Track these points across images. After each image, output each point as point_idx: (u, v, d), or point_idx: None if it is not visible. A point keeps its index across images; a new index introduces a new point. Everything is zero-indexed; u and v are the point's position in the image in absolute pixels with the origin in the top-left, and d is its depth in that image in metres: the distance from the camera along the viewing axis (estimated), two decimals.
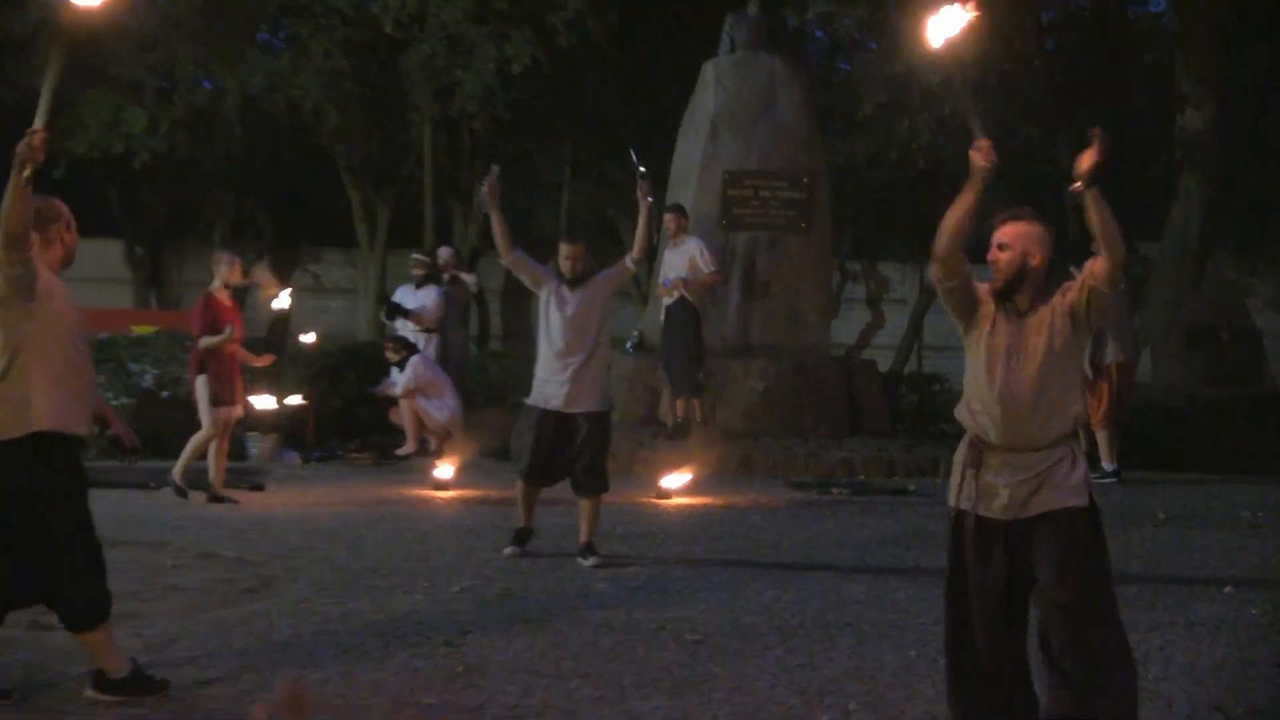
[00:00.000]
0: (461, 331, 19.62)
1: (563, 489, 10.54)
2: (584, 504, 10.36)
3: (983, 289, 5.75)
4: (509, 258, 10.28)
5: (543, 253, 14.27)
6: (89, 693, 6.43)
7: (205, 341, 13.19)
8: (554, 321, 10.16)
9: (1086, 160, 5.41)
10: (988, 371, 5.68)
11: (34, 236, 6.21)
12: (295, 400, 16.28)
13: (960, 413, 5.83)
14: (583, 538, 10.32)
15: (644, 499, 13.59)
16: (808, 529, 12.26)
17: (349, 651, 7.51)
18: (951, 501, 5.77)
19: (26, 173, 5.81)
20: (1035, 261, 5.62)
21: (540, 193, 28.21)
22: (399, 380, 16.87)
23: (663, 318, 16.36)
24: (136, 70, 23.18)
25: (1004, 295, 5.67)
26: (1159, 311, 21.02)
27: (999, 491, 5.63)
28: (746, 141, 18.21)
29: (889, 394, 20.61)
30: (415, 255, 19.62)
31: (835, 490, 14.70)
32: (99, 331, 18.19)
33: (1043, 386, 5.60)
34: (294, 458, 16.68)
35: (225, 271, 13.47)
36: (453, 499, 13.83)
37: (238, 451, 15.53)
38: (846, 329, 29.43)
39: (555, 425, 10.15)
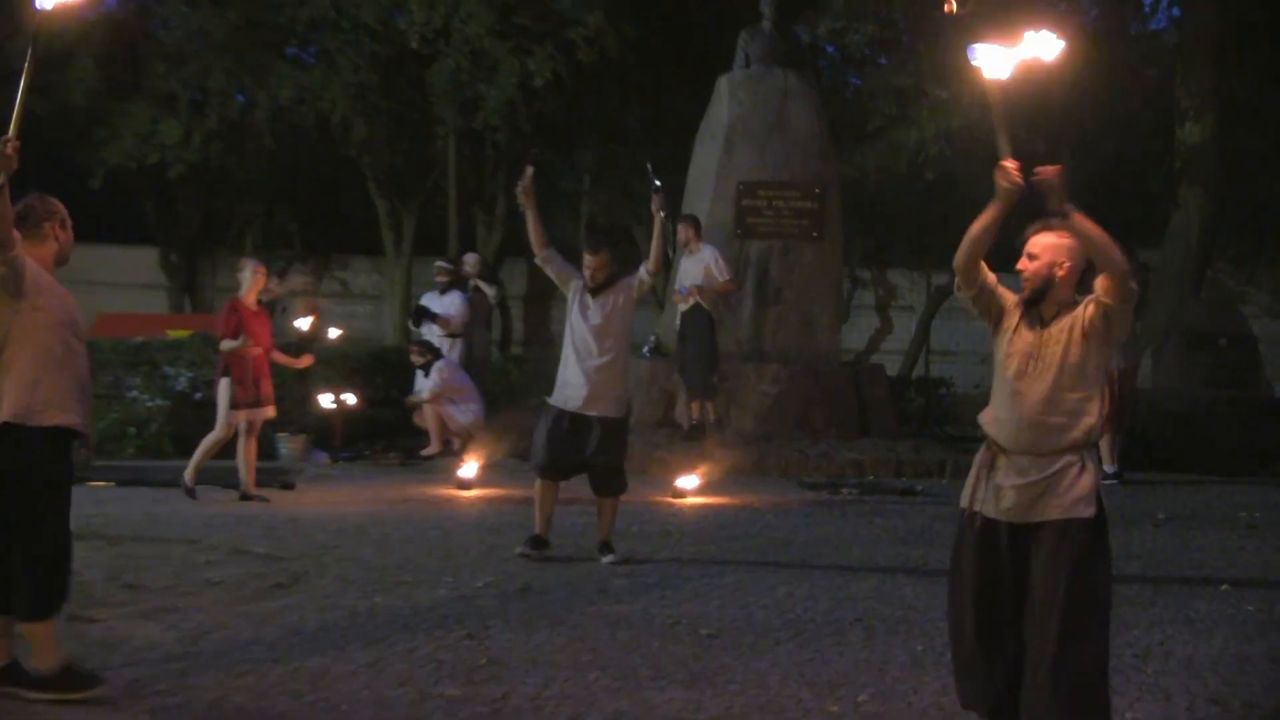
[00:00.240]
0: (485, 336, 19.63)
1: (582, 489, 10.56)
2: (603, 503, 10.37)
3: (1009, 297, 5.75)
4: (542, 254, 10.27)
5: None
6: (30, 695, 6.32)
7: (224, 345, 13.31)
8: (577, 327, 10.18)
9: (1052, 201, 5.40)
10: (1006, 376, 5.69)
11: (22, 234, 6.24)
12: (350, 399, 16.32)
13: (983, 416, 5.82)
14: (601, 535, 10.33)
15: (660, 498, 13.60)
16: (819, 528, 12.26)
17: (376, 644, 7.53)
18: (964, 501, 5.78)
19: (0, 180, 5.83)
20: (1062, 273, 5.59)
21: (561, 202, 28.22)
22: (426, 386, 16.89)
23: (679, 323, 16.41)
24: (171, 84, 23.24)
25: (1030, 303, 5.66)
26: (1159, 317, 20.97)
27: (1006, 494, 5.62)
28: (760, 153, 18.24)
29: (897, 397, 20.66)
30: (440, 263, 19.62)
31: (845, 490, 14.70)
32: (135, 335, 18.31)
33: (1055, 395, 5.57)
34: (323, 458, 16.72)
35: (250, 279, 13.51)
36: (475, 498, 13.84)
37: (269, 452, 15.58)
38: (856, 334, 29.40)
39: (571, 424, 10.13)
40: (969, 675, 5.81)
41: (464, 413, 16.83)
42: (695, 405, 16.23)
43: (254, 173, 26.90)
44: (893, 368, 24.81)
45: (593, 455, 10.21)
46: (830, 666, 7.24)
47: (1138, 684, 6.99)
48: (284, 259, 30.60)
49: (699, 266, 16.25)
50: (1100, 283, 5.53)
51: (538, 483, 10.34)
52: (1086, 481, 5.53)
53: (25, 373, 6.31)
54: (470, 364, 18.01)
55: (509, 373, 21.50)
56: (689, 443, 15.84)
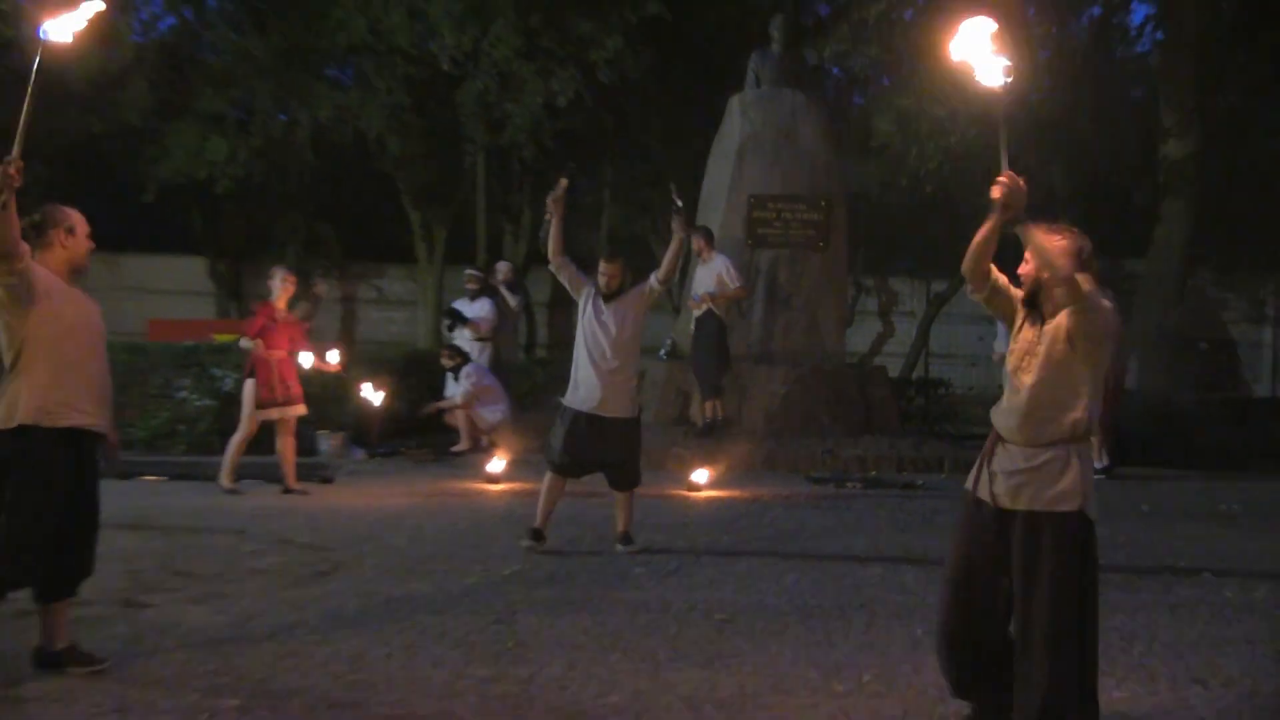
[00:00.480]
0: (513, 340, 19.64)
1: (600, 484, 10.57)
2: (619, 498, 10.37)
3: (1018, 296, 5.76)
4: (557, 260, 10.22)
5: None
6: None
7: (242, 343, 13.52)
8: (592, 333, 10.13)
9: (1007, 211, 5.40)
10: (1007, 370, 5.71)
11: (31, 244, 6.24)
12: (376, 397, 16.29)
13: (994, 406, 5.82)
14: (620, 527, 10.33)
15: (676, 492, 13.59)
16: (825, 519, 12.25)
17: (411, 627, 7.55)
18: (968, 484, 5.80)
19: (4, 197, 5.84)
20: (1048, 274, 5.59)
21: (582, 214, 28.22)
22: (458, 390, 16.90)
23: (693, 328, 16.41)
24: (218, 104, 23.29)
25: (1029, 303, 5.68)
26: (1144, 322, 20.90)
27: (998, 479, 5.64)
28: (770, 168, 18.24)
29: (898, 397, 20.62)
30: (469, 270, 19.64)
31: (850, 485, 14.69)
32: (184, 339, 18.36)
33: (1040, 390, 5.56)
34: (360, 454, 16.73)
35: (280, 286, 13.56)
36: (503, 491, 13.84)
37: (309, 448, 15.61)
38: (860, 338, 29.36)
39: (588, 426, 10.09)
40: (942, 656, 5.83)
41: (492, 412, 16.85)
42: (709, 405, 16.24)
43: (295, 187, 26.94)
44: (894, 369, 24.76)
45: (610, 455, 10.21)
46: (836, 649, 7.26)
47: (1125, 664, 7.00)
48: (322, 267, 30.71)
49: (711, 275, 16.28)
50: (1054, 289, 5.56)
51: (549, 477, 10.27)
52: (1071, 477, 5.49)
53: (39, 377, 6.33)
54: (498, 366, 18.02)
55: (534, 374, 21.47)
56: (703, 439, 15.85)
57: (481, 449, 16.45)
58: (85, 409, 6.43)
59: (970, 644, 5.72)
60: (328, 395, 16.11)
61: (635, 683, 6.51)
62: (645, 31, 21.98)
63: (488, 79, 21.90)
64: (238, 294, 30.29)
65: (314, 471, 14.62)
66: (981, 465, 5.75)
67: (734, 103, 18.88)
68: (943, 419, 22.68)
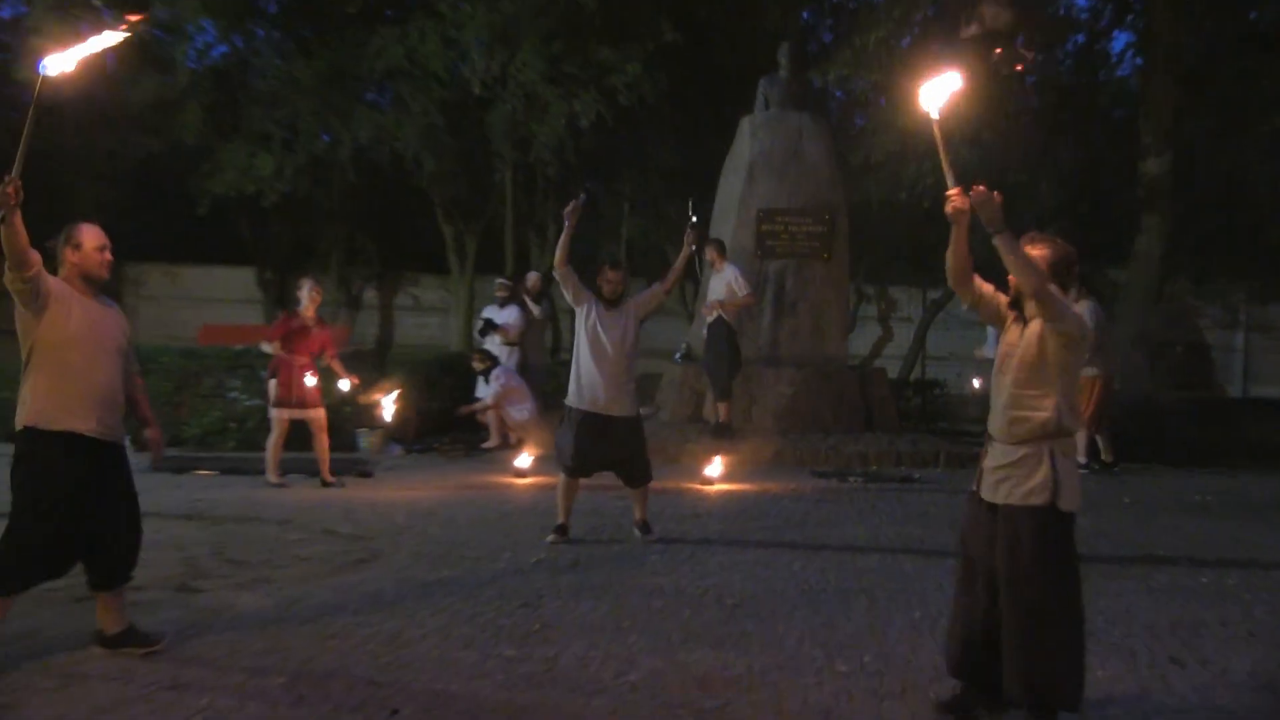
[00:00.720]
0: (539, 344, 19.64)
1: (616, 477, 10.56)
2: (635, 493, 10.36)
3: (1004, 301, 5.76)
4: (563, 269, 10.14)
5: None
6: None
7: (264, 345, 13.69)
8: (596, 338, 10.08)
9: (983, 216, 5.39)
10: (993, 370, 5.73)
11: (37, 255, 6.21)
12: (393, 408, 16.20)
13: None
14: (638, 517, 10.32)
15: (690, 485, 13.60)
16: (829, 510, 12.23)
17: (443, 611, 7.56)
18: (974, 481, 5.82)
19: (5, 213, 5.85)
20: None
21: (602, 225, 28.21)
22: (489, 391, 16.92)
23: (705, 333, 16.42)
24: (266, 125, 23.33)
25: (1014, 306, 5.69)
26: (1125, 327, 20.83)
27: (985, 475, 5.68)
28: (778, 184, 18.24)
29: (897, 397, 20.60)
30: (499, 280, 19.66)
31: (852, 479, 14.66)
32: (235, 344, 18.41)
33: (1015, 389, 5.58)
34: (397, 450, 16.77)
35: (308, 296, 13.61)
36: (530, 484, 13.86)
37: (350, 444, 15.63)
38: (861, 342, 29.33)
39: (596, 425, 10.07)
40: (949, 641, 5.84)
41: (520, 411, 16.87)
42: (721, 406, 16.23)
43: (337, 201, 27.00)
44: (893, 371, 24.75)
45: (618, 453, 10.18)
46: (839, 630, 7.24)
47: (1107, 644, 6.98)
48: (362, 276, 30.77)
49: (722, 284, 16.28)
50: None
51: (564, 479, 10.25)
52: (1043, 473, 5.49)
53: (41, 381, 6.32)
54: (526, 369, 18.04)
55: (559, 376, 21.44)
56: (715, 437, 15.85)
57: (509, 445, 16.47)
58: (81, 415, 6.32)
59: (969, 626, 5.72)
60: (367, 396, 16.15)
61: (652, 662, 6.51)
62: (662, 58, 21.98)
63: (515, 102, 21.93)
64: (284, 301, 30.36)
65: (354, 466, 14.67)
66: (979, 462, 5.77)
67: (744, 124, 18.89)
68: (938, 417, 22.70)
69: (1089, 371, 15.40)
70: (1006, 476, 5.57)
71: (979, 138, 18.17)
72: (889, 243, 25.85)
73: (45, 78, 5.95)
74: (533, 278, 19.78)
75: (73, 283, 6.44)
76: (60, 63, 5.96)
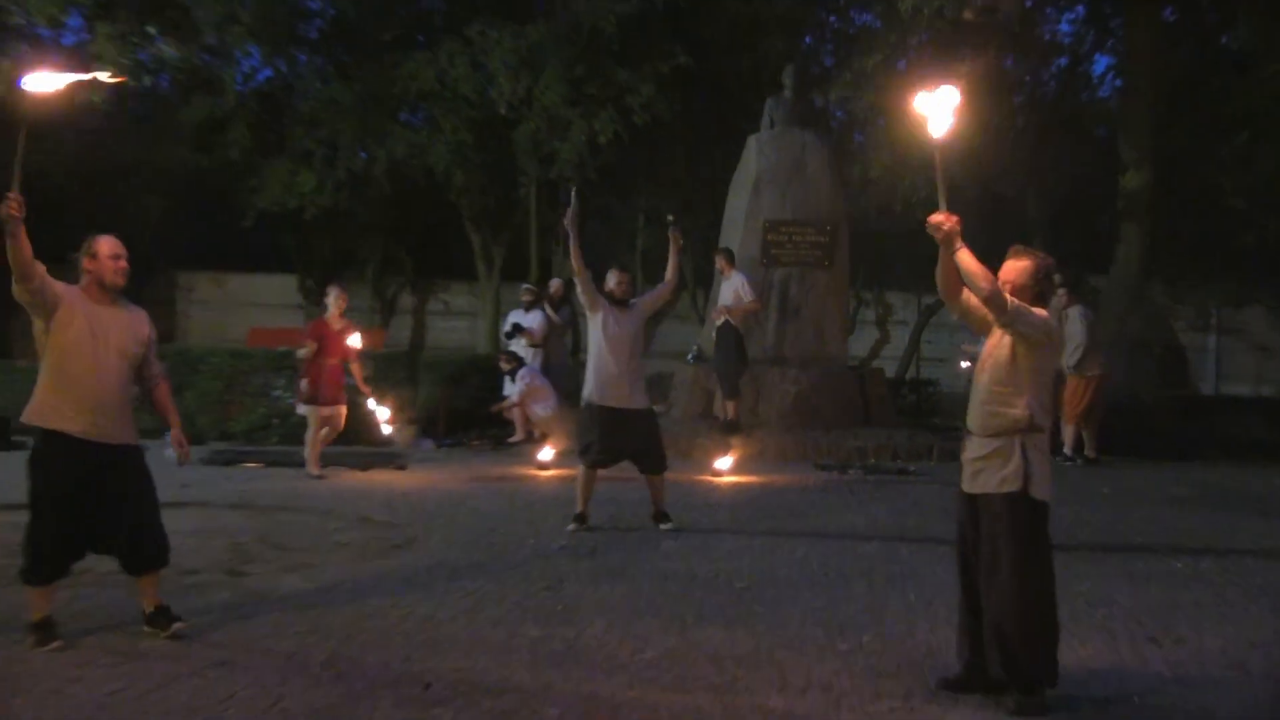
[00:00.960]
0: (561, 346, 19.63)
1: (633, 468, 10.51)
2: (652, 480, 10.37)
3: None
4: (581, 276, 10.24)
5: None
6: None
7: (299, 352, 13.75)
8: (614, 336, 10.16)
9: (939, 239, 5.55)
10: (975, 370, 5.77)
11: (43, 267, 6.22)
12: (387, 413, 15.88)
13: None
14: (657, 506, 10.33)
15: (701, 477, 13.60)
16: (830, 500, 12.23)
17: (472, 594, 7.58)
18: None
19: (9, 227, 5.86)
20: (1007, 290, 5.63)
21: (618, 234, 28.20)
22: (515, 390, 16.91)
23: (714, 336, 16.42)
24: (308, 143, 23.33)
25: None
26: (1106, 330, 20.77)
27: (965, 468, 5.74)
28: (782, 197, 18.22)
29: (894, 395, 20.56)
30: (525, 286, 19.66)
31: (852, 471, 14.66)
32: (279, 346, 18.44)
33: (990, 387, 5.67)
34: (429, 444, 16.79)
35: (334, 301, 13.71)
36: (552, 477, 13.87)
37: (384, 439, 15.59)
38: (860, 344, 29.24)
39: (616, 419, 10.12)
40: (959, 622, 5.86)
41: (544, 408, 16.84)
42: (730, 404, 16.22)
43: (373, 214, 26.97)
44: (890, 371, 24.73)
45: (637, 443, 10.24)
46: (840, 612, 7.25)
47: (1088, 625, 7.00)
48: (397, 283, 30.78)
49: (730, 290, 16.28)
50: None
51: (584, 471, 10.29)
52: (1015, 463, 5.54)
53: (44, 382, 6.34)
54: (549, 369, 18.03)
55: (580, 375, 21.45)
56: (724, 432, 15.84)
57: (533, 440, 16.47)
58: (70, 416, 6.27)
59: (968, 611, 5.75)
60: (401, 395, 16.18)
61: (666, 641, 6.53)
62: (674, 80, 21.98)
63: (539, 121, 21.91)
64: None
65: (389, 460, 14.71)
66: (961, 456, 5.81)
67: (751, 141, 18.87)
68: (932, 414, 22.64)
69: (1092, 370, 15.50)
70: (983, 468, 5.62)
71: (971, 155, 18.14)
72: (886, 252, 25.80)
73: (30, 95, 5.96)
74: (555, 284, 19.78)
75: (91, 289, 6.45)
76: (41, 82, 5.97)
